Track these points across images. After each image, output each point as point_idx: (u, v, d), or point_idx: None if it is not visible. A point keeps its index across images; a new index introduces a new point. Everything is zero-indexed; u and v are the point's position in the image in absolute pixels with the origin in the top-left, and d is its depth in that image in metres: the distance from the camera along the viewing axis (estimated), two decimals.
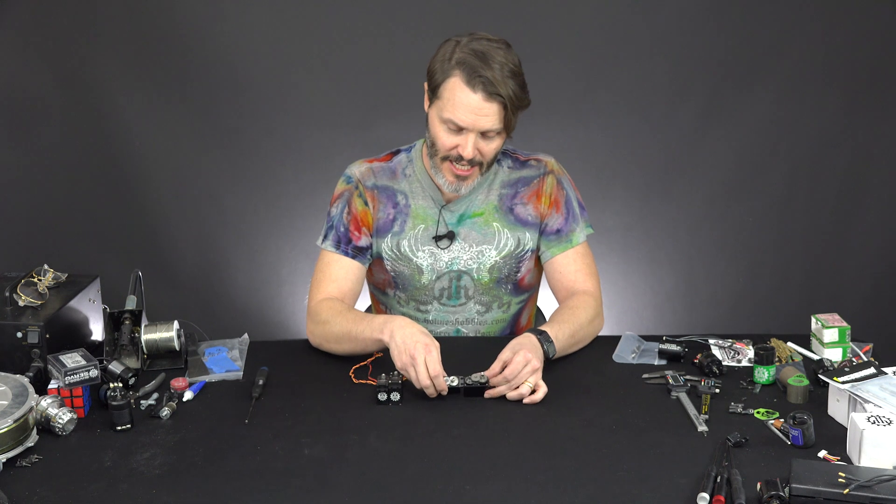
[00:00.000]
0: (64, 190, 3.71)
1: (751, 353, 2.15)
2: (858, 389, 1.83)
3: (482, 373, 2.01)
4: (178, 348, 2.15)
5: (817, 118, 3.73)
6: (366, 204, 2.31)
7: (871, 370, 1.90)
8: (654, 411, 1.94)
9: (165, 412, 1.93)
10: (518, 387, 1.97)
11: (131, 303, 2.20)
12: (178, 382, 2.03)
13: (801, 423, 1.77)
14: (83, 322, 2.22)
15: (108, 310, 2.16)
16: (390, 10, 3.64)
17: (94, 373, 1.93)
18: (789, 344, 2.19)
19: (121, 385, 1.92)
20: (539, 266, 2.39)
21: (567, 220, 2.32)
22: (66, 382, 1.90)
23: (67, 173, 3.70)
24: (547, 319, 2.27)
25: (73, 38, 3.58)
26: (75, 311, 2.18)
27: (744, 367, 2.12)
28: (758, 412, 1.91)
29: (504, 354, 2.02)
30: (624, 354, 2.19)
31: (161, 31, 3.58)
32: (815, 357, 2.14)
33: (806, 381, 1.98)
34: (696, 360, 2.11)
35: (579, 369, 2.14)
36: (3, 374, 1.91)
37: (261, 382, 2.03)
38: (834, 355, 2.12)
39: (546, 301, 2.50)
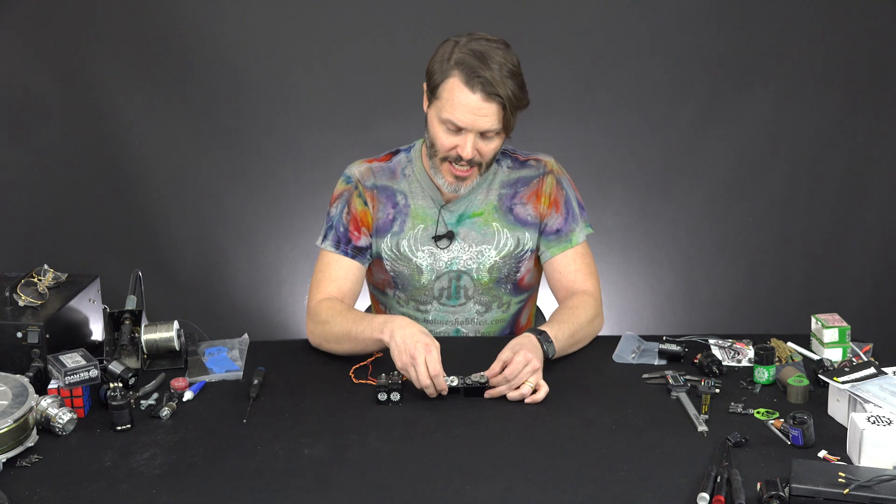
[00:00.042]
0: (64, 190, 3.71)
1: (751, 353, 2.15)
2: (858, 389, 1.83)
3: (482, 373, 2.01)
4: (178, 348, 2.15)
5: (817, 118, 3.73)
6: (365, 204, 2.30)
7: (871, 370, 1.90)
8: (654, 411, 1.94)
9: (165, 412, 1.93)
10: (519, 387, 1.97)
11: (131, 303, 2.20)
12: (178, 382, 2.03)
13: (801, 423, 1.77)
14: (83, 322, 2.22)
15: (108, 310, 2.15)
16: (390, 10, 3.64)
17: (94, 373, 1.93)
18: (789, 344, 2.19)
19: (121, 385, 1.91)
20: (539, 266, 2.39)
21: (567, 219, 2.32)
22: (66, 382, 1.90)
23: (67, 173, 3.70)
24: (547, 319, 2.27)
25: (73, 38, 3.58)
26: (75, 311, 2.18)
27: (744, 367, 2.12)
28: (758, 412, 1.91)
29: (504, 354, 2.02)
30: (624, 354, 2.19)
31: (161, 31, 3.58)
32: (815, 357, 2.14)
33: (806, 381, 1.98)
34: (696, 360, 2.11)
35: (579, 369, 2.13)
36: (3, 374, 1.91)
37: (256, 382, 2.03)
38: (834, 355, 2.12)
39: (546, 301, 2.50)
